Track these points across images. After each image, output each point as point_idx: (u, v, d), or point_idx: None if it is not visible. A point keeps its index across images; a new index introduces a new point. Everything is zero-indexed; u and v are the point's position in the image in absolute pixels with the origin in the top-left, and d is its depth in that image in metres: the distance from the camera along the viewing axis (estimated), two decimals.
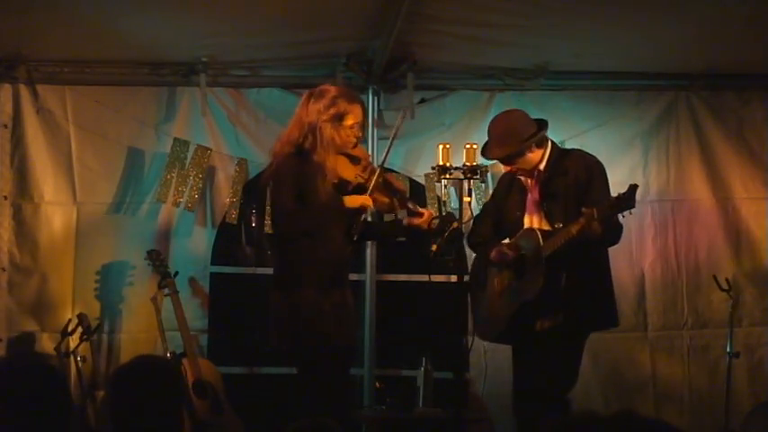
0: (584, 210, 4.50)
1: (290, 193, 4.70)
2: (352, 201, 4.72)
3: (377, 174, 4.78)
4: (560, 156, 4.92)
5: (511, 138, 4.85)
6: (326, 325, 4.69)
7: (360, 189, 4.77)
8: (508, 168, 4.95)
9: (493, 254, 4.91)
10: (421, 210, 4.84)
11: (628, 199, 4.44)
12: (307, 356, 4.76)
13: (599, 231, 4.55)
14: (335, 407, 4.64)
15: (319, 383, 4.71)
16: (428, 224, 4.80)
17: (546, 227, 4.82)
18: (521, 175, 4.93)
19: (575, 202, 4.73)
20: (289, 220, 4.77)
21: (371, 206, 4.77)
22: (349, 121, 4.76)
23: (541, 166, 4.87)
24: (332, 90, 4.80)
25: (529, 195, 4.95)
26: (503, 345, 5.25)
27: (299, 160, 4.73)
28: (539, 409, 4.78)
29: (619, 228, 4.77)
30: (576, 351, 4.91)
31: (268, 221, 5.88)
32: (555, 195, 4.84)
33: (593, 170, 4.87)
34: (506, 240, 4.97)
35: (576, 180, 4.83)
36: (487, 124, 6.03)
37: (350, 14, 5.26)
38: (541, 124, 4.91)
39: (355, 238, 4.74)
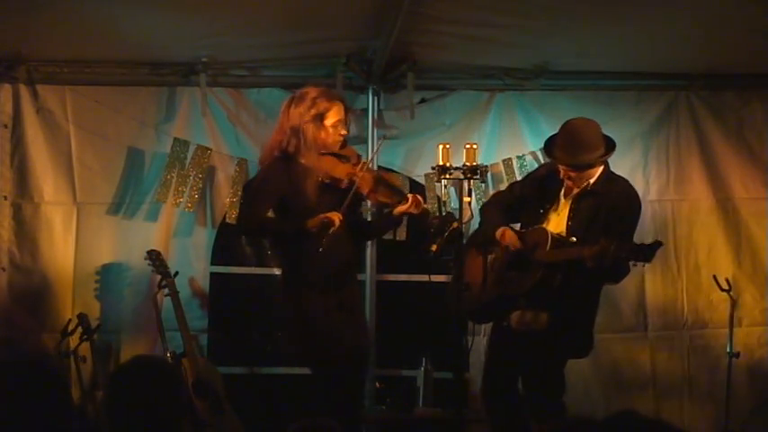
0: (603, 240, 4.50)
1: (264, 201, 4.76)
2: (312, 221, 4.72)
3: (363, 169, 4.80)
4: (609, 178, 4.91)
5: (591, 148, 4.79)
6: (332, 327, 4.71)
7: (352, 186, 4.78)
8: (568, 173, 4.86)
9: (500, 233, 4.91)
10: (407, 195, 4.87)
11: (647, 252, 4.45)
12: (315, 359, 4.78)
13: (608, 265, 4.54)
14: (346, 408, 4.66)
15: (330, 385, 4.73)
16: (416, 208, 4.83)
17: (563, 235, 4.81)
18: (571, 180, 4.88)
19: (601, 225, 4.72)
20: (251, 225, 4.89)
21: (337, 223, 4.72)
22: (330, 120, 4.81)
23: (591, 181, 4.86)
24: (311, 92, 4.87)
25: (563, 201, 4.92)
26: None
27: (285, 164, 4.77)
28: (512, 407, 4.88)
29: (626, 270, 4.76)
30: (557, 366, 4.92)
31: None
32: (587, 211, 4.82)
33: (632, 205, 4.89)
34: (517, 225, 4.98)
35: (612, 207, 4.82)
36: (488, 124, 6.09)
37: (350, 14, 5.26)
38: (609, 143, 4.88)
39: (320, 250, 4.71)
